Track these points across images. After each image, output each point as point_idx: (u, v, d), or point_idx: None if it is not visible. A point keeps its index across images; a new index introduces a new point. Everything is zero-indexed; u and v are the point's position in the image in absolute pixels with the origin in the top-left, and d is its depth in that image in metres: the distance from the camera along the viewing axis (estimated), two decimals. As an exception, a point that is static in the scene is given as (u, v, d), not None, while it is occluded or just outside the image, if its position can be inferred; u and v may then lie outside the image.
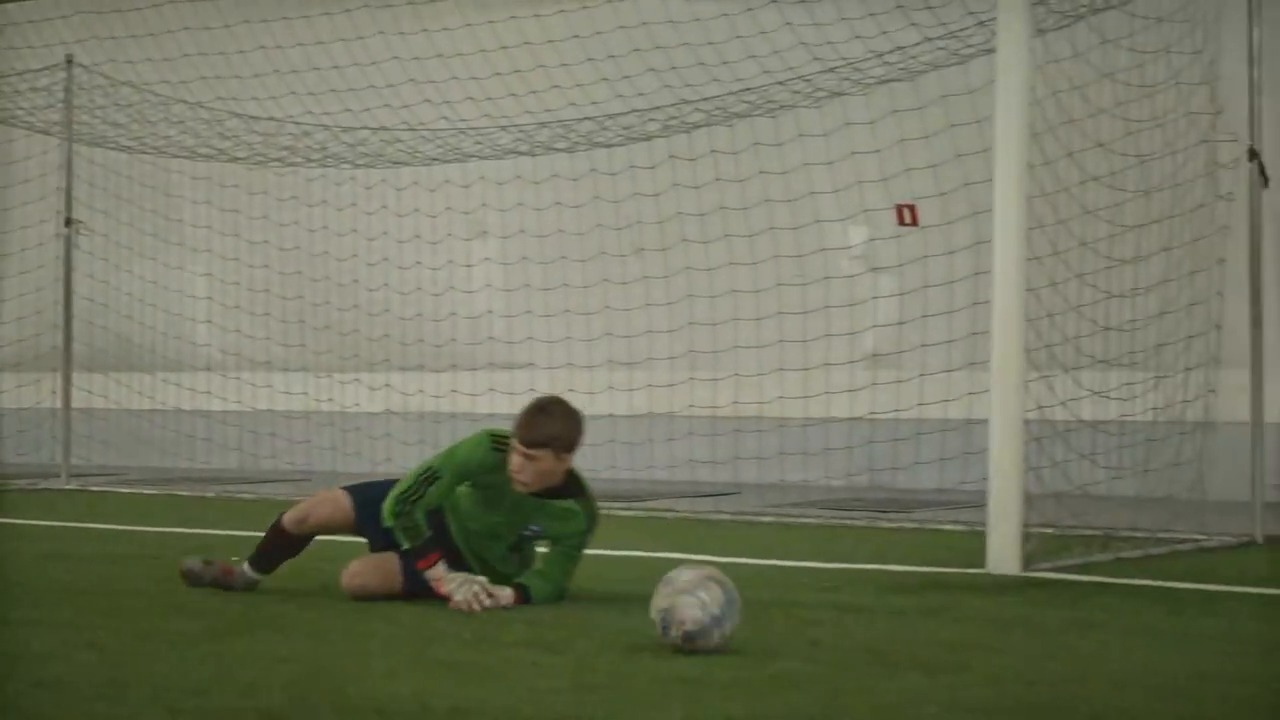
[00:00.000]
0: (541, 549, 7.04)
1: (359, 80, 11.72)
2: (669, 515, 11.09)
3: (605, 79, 10.95)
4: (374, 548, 7.03)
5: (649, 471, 12.48)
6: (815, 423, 12.18)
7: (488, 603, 6.63)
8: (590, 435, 6.84)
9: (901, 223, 12.05)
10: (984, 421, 8.10)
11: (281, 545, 7.13)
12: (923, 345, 11.67)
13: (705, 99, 11.01)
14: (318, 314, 14.03)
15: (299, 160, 13.13)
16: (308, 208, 13.79)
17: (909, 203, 11.85)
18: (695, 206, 12.08)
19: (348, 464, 13.47)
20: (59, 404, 14.39)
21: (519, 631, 6.07)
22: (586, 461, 6.79)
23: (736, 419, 12.46)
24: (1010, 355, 8.02)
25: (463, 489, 6.91)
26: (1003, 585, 7.69)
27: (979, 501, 8.56)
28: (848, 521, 10.79)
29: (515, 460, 6.65)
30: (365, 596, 6.85)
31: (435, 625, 6.23)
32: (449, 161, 12.57)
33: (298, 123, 12.17)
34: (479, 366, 13.15)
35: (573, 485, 6.87)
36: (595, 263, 12.53)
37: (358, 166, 12.96)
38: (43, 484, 13.90)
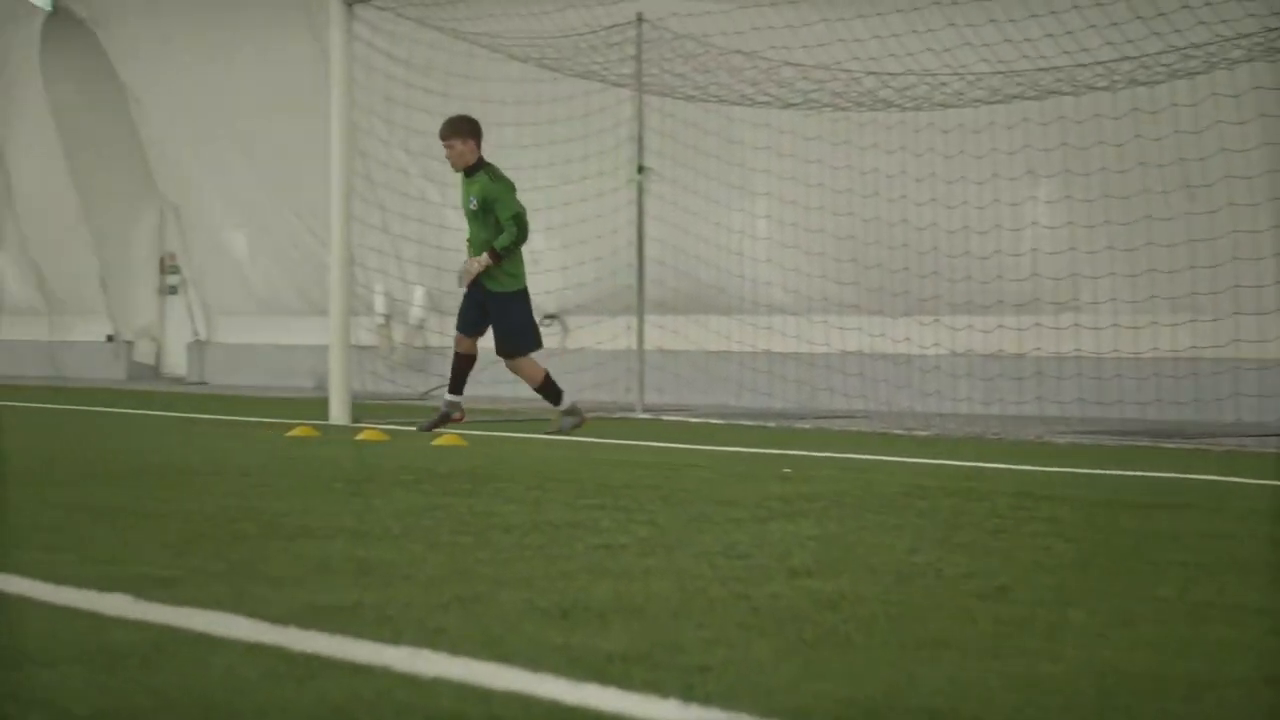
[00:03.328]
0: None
1: (900, 26, 12.13)
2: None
3: (1139, 17, 11.04)
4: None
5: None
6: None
7: (474, 269, 11.85)
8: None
9: None
10: None
11: (457, 365, 12.17)
12: None
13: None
14: (869, 254, 14.51)
15: (849, 105, 13.64)
16: (859, 151, 14.29)
17: None
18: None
19: (901, 399, 13.91)
20: (634, 344, 15.35)
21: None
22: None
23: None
24: None
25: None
26: None
27: None
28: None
29: (447, 155, 11.94)
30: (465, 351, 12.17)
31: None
32: (994, 103, 12.86)
33: (845, 69, 12.64)
34: (1024, 304, 13.38)
35: (484, 165, 11.89)
36: (1138, 200, 12.58)
37: (905, 110, 13.35)
38: (619, 415, 14.90)
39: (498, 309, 12.00)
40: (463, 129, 11.91)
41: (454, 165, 11.95)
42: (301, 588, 4.71)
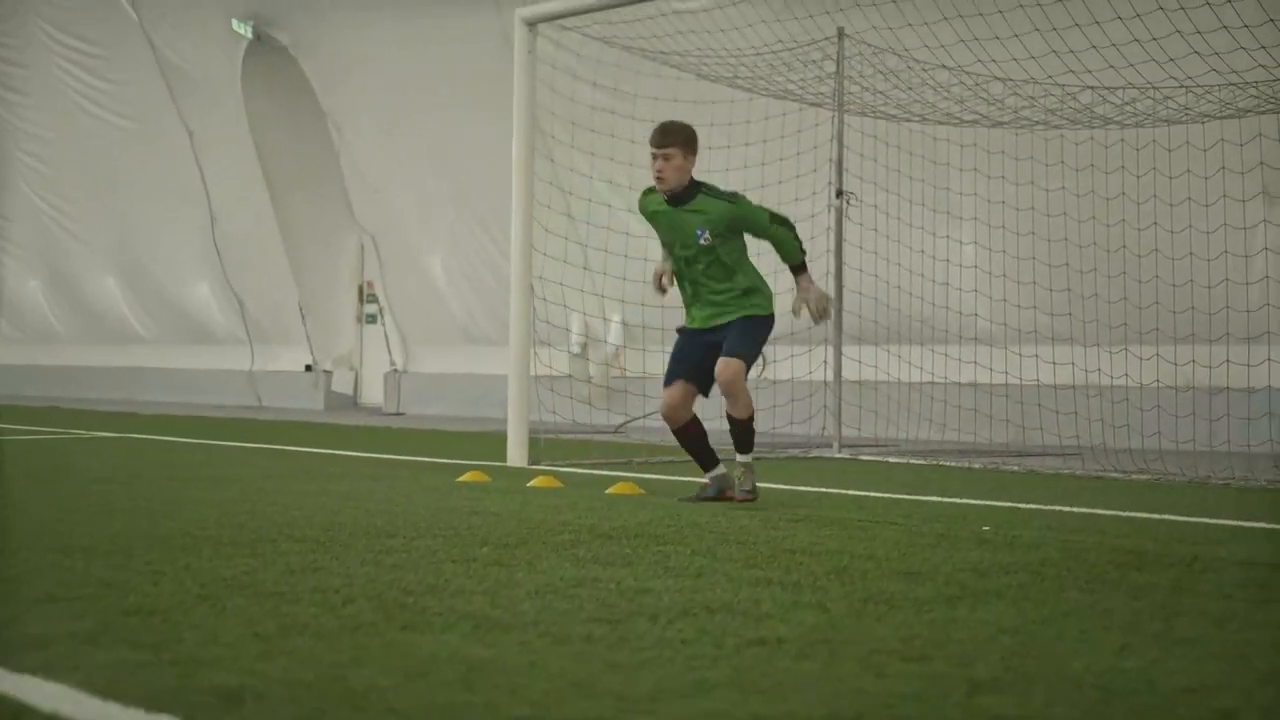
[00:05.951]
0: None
1: (1120, 35, 11.11)
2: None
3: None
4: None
5: None
6: None
7: (828, 307, 9.23)
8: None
9: None
10: None
11: (689, 441, 9.33)
12: None
13: None
14: (1084, 282, 13.55)
15: (1063, 123, 12.66)
16: (1074, 172, 13.32)
17: None
18: None
19: (1118, 438, 12.92)
20: (830, 378, 14.56)
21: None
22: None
23: None
24: None
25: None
26: None
27: None
28: None
29: (654, 166, 8.72)
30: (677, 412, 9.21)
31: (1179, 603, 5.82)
32: (1225, 118, 11.78)
33: (1059, 84, 11.67)
34: (1255, 336, 12.30)
35: (697, 186, 8.82)
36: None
37: (1125, 127, 12.33)
38: (814, 453, 14.12)
39: (745, 326, 9.02)
40: (689, 139, 8.81)
41: (664, 183, 8.72)
42: (389, 708, 4.00)
